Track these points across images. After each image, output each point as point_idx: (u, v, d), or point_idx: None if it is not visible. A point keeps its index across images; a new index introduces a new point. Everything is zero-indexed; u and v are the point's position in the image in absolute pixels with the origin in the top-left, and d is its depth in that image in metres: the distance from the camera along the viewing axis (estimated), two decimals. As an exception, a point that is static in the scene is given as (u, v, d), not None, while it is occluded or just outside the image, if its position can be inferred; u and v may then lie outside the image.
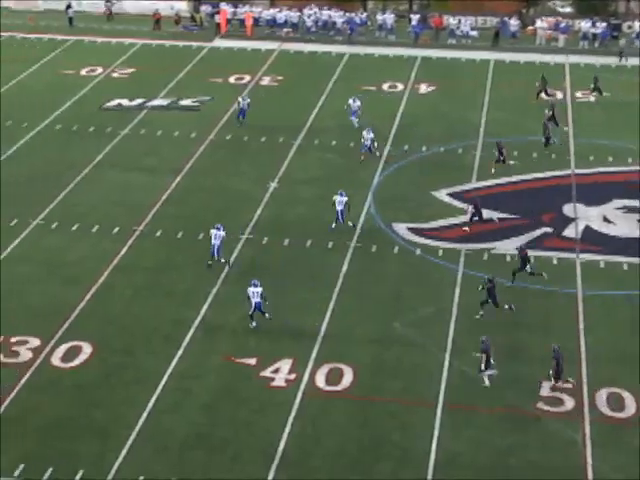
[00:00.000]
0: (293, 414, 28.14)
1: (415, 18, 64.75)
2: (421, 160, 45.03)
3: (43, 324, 32.03)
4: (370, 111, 49.87)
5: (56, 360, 30.32)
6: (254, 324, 32.17)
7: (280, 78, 55.98)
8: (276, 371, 29.95)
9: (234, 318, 32.69)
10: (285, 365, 30.21)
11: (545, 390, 29.06)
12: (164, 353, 30.74)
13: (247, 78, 56.09)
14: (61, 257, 36.38)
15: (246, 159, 44.99)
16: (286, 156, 45.36)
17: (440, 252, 36.94)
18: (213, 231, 35.23)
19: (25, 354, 30.53)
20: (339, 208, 38.08)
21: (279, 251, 37.09)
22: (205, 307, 33.26)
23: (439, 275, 35.48)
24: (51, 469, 25.81)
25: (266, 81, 55.74)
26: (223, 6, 66.63)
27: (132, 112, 50.58)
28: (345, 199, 38.17)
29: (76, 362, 30.26)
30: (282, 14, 65.78)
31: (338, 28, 64.37)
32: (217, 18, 65.64)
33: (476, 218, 38.69)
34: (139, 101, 51.97)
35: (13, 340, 31.16)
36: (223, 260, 35.27)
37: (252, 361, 30.38)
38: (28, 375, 29.58)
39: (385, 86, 54.72)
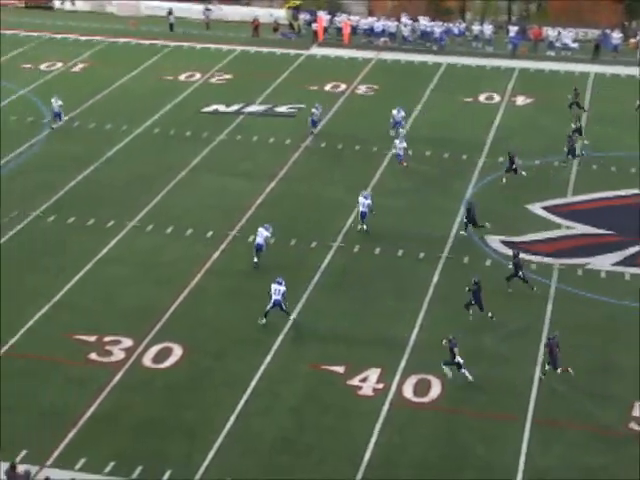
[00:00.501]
0: (380, 423, 28.09)
1: (513, 29, 64.21)
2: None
3: (136, 325, 32.55)
4: (466, 122, 49.65)
5: (148, 361, 30.78)
6: (264, 321, 32.41)
7: (376, 87, 56.00)
8: (364, 380, 29.94)
9: (324, 325, 32.79)
10: (373, 374, 30.18)
11: (637, 410, 28.51)
12: (253, 357, 30.97)
13: (343, 86, 56.26)
14: (155, 259, 36.95)
15: (340, 167, 45.12)
16: (379, 165, 45.36)
17: (533, 266, 36.52)
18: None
19: (118, 354, 31.06)
20: (362, 210, 38.19)
21: (370, 260, 37.09)
22: (295, 313, 33.42)
23: (531, 289, 35.06)
24: (140, 467, 26.20)
25: (362, 90, 55.84)
26: (320, 14, 66.98)
27: (229, 117, 51.14)
28: (368, 202, 38.18)
29: (167, 363, 30.68)
30: (380, 23, 65.81)
31: (435, 38, 64.16)
32: (314, 26, 66.00)
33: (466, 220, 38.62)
34: (236, 107, 52.53)
35: (106, 339, 31.74)
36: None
37: (340, 369, 30.42)
38: (120, 375, 30.08)
39: (482, 97, 54.35)
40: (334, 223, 39.66)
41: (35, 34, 65.72)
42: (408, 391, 29.48)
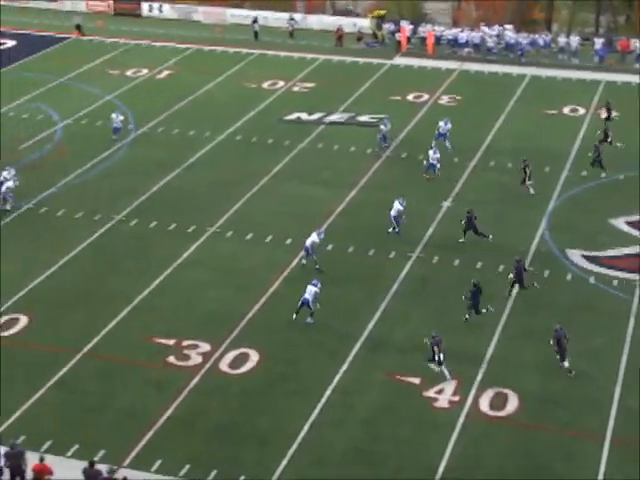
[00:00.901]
0: (455, 436, 27.86)
1: (599, 41, 63.33)
2: (599, 186, 43.95)
3: (214, 329, 32.80)
4: (549, 134, 49.12)
5: (224, 366, 30.98)
6: (294, 317, 32.95)
7: (458, 98, 55.72)
8: (440, 392, 29.73)
9: (400, 335, 32.67)
10: (449, 386, 29.96)
11: None
12: (328, 366, 30.96)
13: (425, 96, 56.09)
14: (234, 265, 37.20)
15: (420, 177, 44.93)
16: (461, 176, 45.09)
17: (615, 282, 35.93)
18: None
19: (196, 358, 31.32)
20: (393, 214, 38.33)
21: (448, 271, 36.85)
22: (372, 323, 33.35)
23: (612, 305, 34.52)
24: (215, 472, 26.35)
25: (444, 100, 55.60)
26: (403, 24, 66.89)
27: (311, 126, 51.33)
28: (401, 208, 38.05)
29: (243, 369, 30.84)
30: (464, 34, 65.48)
31: (521, 49, 63.59)
32: (398, 36, 65.91)
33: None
34: (318, 115, 52.70)
35: (185, 344, 32.03)
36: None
37: (416, 380, 30.26)
38: (197, 379, 30.32)
39: (566, 109, 53.71)
40: (414, 233, 39.49)
41: (122, 41, 66.79)
42: (484, 404, 29.19)
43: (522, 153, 46.09)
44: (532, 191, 42.67)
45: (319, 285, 33.11)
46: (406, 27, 66.37)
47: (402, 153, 47.71)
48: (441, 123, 47.93)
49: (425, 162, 44.82)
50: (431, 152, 44.76)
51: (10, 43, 66.46)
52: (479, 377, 30.41)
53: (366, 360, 31.45)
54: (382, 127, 47.74)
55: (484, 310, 33.26)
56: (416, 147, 48.09)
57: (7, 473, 25.25)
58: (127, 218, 40.54)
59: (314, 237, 36.53)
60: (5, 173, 41.23)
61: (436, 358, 30.01)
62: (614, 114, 50.71)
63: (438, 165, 44.44)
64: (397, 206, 38.49)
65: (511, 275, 34.92)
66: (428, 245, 38.66)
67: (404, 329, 32.96)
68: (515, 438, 27.86)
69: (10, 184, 40.89)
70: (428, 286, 35.74)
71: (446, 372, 30.11)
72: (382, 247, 38.31)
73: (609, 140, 46.94)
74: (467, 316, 33.33)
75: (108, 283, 35.74)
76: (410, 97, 56.00)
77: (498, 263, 37.11)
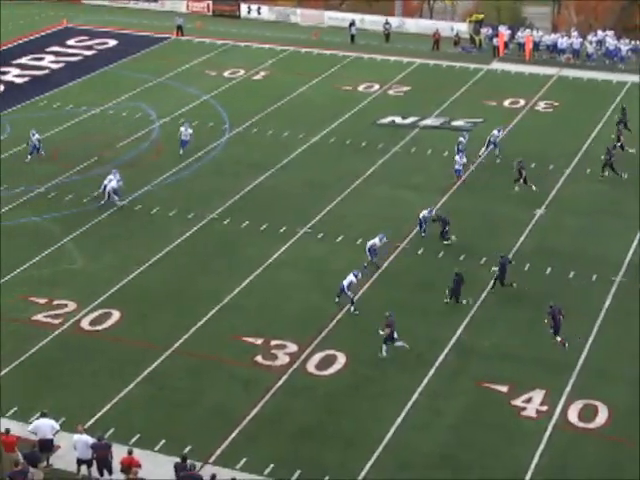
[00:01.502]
0: (542, 446, 27.51)
1: None
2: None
3: (302, 330, 32.95)
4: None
5: (311, 367, 31.09)
6: (337, 300, 33.98)
7: (556, 104, 55.01)
8: (528, 401, 29.40)
9: (489, 342, 32.39)
10: (537, 396, 29.60)
11: None
12: (415, 371, 30.87)
13: (522, 102, 55.51)
14: (324, 266, 37.31)
15: (513, 183, 44.47)
16: (556, 183, 44.53)
17: None
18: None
19: (283, 358, 31.51)
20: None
21: (541, 279, 36.43)
22: (460, 329, 33.15)
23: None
24: (299, 472, 26.47)
25: (541, 106, 54.94)
26: (501, 29, 66.30)
27: (405, 129, 51.23)
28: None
29: (330, 371, 30.91)
30: (564, 40, 64.62)
31: (622, 56, 62.49)
32: (496, 41, 65.35)
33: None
34: (412, 119, 52.56)
35: (273, 343, 32.24)
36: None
37: (504, 388, 29.97)
38: (284, 379, 30.50)
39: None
40: (505, 240, 39.13)
41: (220, 42, 67.55)
42: (573, 415, 28.77)
43: (620, 162, 45.31)
44: (517, 188, 43.20)
45: (359, 276, 34.11)
46: (504, 32, 65.77)
47: (496, 158, 47.28)
48: (495, 131, 47.51)
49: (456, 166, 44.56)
50: (457, 157, 44.47)
51: (111, 43, 67.79)
52: (568, 387, 29.99)
53: (454, 366, 31.26)
54: (461, 139, 46.88)
55: (464, 301, 34.14)
56: (510, 153, 47.60)
57: (94, 464, 25.76)
58: (219, 217, 40.99)
59: (376, 240, 36.61)
60: (111, 176, 41.93)
61: (394, 337, 31.21)
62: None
63: (462, 169, 44.36)
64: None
65: (494, 268, 35.36)
66: (520, 252, 38.24)
67: (492, 337, 32.67)
68: (603, 451, 27.41)
69: (114, 184, 41.60)
70: (516, 293, 35.34)
71: (404, 343, 31.38)
72: (473, 253, 38.03)
73: (621, 144, 46.60)
74: (447, 300, 34.36)
75: (199, 281, 36.17)
76: (506, 103, 55.48)
77: (591, 273, 36.56)
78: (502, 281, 35.18)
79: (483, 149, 47.00)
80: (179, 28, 69.10)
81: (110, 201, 41.51)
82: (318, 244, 38.97)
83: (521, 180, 43.28)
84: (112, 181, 41.78)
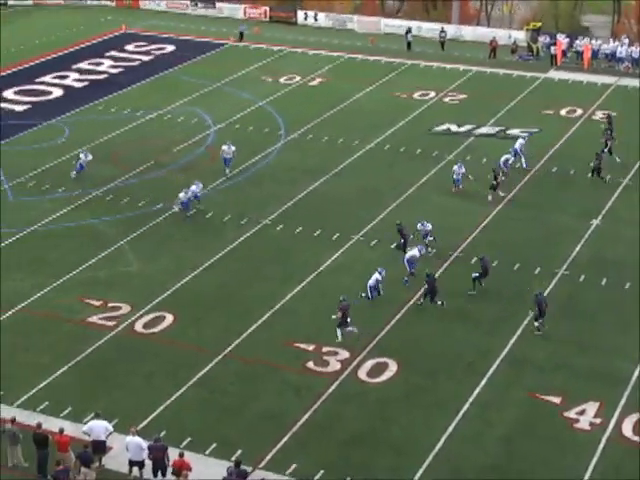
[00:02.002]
0: (595, 459, 27.22)
1: None
2: None
3: (353, 337, 32.88)
4: None
5: (363, 374, 31.06)
6: (362, 294, 34.55)
7: (614, 114, 54.37)
8: (581, 413, 29.11)
9: (542, 353, 32.14)
10: (591, 408, 29.30)
11: None
12: (467, 381, 30.72)
13: (579, 111, 55.05)
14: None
15: (570, 192, 44.19)
16: (613, 193, 44.09)
17: None
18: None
19: (334, 364, 31.51)
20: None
21: (595, 290, 36.08)
22: (513, 339, 32.93)
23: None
24: (348, 479, 26.45)
25: (599, 116, 54.41)
26: (559, 37, 65.81)
27: (459, 137, 51.05)
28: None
29: (381, 378, 30.87)
30: (623, 48, 63.95)
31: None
32: (553, 49, 64.87)
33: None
34: (467, 127, 52.36)
35: (324, 350, 32.27)
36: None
37: (557, 400, 29.71)
38: (335, 385, 30.51)
39: None
40: (560, 250, 38.85)
41: (276, 48, 67.85)
42: (627, 429, 28.43)
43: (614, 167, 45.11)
44: (490, 198, 43.11)
45: (383, 274, 34.60)
46: (562, 40, 65.26)
47: (552, 167, 46.96)
48: (521, 140, 47.44)
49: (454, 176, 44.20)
50: (456, 167, 44.11)
51: (169, 48, 68.42)
52: (623, 400, 29.65)
53: (506, 376, 31.05)
54: (508, 156, 45.93)
55: (439, 302, 34.39)
56: (567, 162, 47.32)
57: (147, 466, 25.98)
58: (273, 223, 41.14)
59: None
60: (194, 187, 41.91)
61: (346, 320, 32.29)
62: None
63: (460, 180, 43.97)
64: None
65: (475, 274, 35.63)
66: (575, 263, 37.93)
67: (546, 347, 32.41)
68: (658, 466, 27.08)
69: (195, 190, 41.85)
70: (573, 305, 35.06)
71: (339, 334, 32.29)
72: (527, 263, 37.78)
73: (609, 149, 46.80)
74: (421, 302, 34.87)
75: (252, 286, 36.32)
76: (563, 112, 55.06)
77: (648, 284, 36.19)
78: (481, 279, 35.63)
79: (503, 158, 46.55)
80: (241, 34, 69.42)
81: (179, 207, 41.53)
82: (371, 251, 38.93)
83: (496, 187, 43.37)
84: (187, 193, 41.81)
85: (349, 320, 32.50)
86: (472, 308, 34.81)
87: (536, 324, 33.07)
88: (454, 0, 76.38)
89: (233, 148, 45.80)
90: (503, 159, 45.16)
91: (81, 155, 45.45)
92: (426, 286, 34.77)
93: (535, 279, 36.63)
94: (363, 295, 34.74)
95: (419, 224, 38.77)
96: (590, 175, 45.33)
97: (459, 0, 77.63)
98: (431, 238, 38.68)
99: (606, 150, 47.01)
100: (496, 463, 27.19)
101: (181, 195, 41.53)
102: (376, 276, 34.70)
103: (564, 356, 31.71)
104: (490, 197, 43.21)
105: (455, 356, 32.02)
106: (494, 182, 43.38)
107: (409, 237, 38.45)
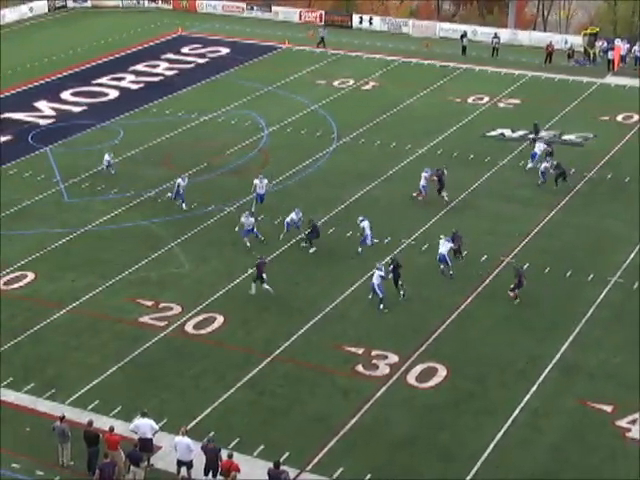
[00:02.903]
0: (645, 470, 26.96)
1: None
2: None
3: (403, 341, 32.88)
4: None
5: (412, 379, 30.98)
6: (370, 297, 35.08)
7: (671, 120, 53.96)
8: (633, 422, 28.75)
9: (594, 360, 31.83)
10: (643, 418, 29.00)
11: None
12: (517, 387, 30.50)
13: (636, 117, 54.47)
14: (427, 278, 37.11)
15: (624, 199, 43.71)
16: (666, 202, 43.63)
17: None
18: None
19: (383, 368, 31.48)
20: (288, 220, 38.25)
21: (649, 298, 35.72)
22: (565, 346, 32.64)
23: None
24: (395, 483, 26.49)
25: (655, 122, 53.93)
26: (618, 42, 65.13)
27: (513, 143, 50.74)
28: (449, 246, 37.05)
29: (430, 383, 30.76)
30: (681, 54, 63.25)
31: None
32: (611, 54, 64.24)
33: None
34: (521, 132, 52.03)
35: (374, 353, 32.24)
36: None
37: (608, 408, 29.39)
38: (384, 389, 30.47)
39: None
40: (613, 257, 38.45)
41: (331, 51, 67.96)
42: (680, 439, 28.11)
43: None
44: (446, 198, 43.13)
45: (381, 269, 34.79)
46: (621, 45, 64.59)
47: (607, 174, 46.50)
48: (543, 146, 47.04)
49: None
50: (424, 173, 43.43)
51: (224, 51, 68.88)
52: (675, 410, 29.29)
53: (557, 383, 30.79)
54: (545, 164, 45.49)
55: (402, 292, 35.34)
56: (622, 169, 46.84)
57: (202, 466, 26.04)
58: (324, 226, 41.12)
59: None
60: (293, 214, 40.20)
61: (262, 276, 34.84)
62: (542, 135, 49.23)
63: (426, 185, 43.44)
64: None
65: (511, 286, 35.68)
66: (629, 270, 37.51)
67: (597, 355, 32.09)
68: None
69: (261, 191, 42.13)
70: (625, 312, 34.68)
71: (270, 289, 34.69)
72: (580, 269, 37.46)
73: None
74: (402, 293, 35.59)
75: (301, 289, 36.41)
76: (619, 117, 54.52)
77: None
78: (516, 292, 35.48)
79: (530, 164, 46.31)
80: (322, 39, 69.06)
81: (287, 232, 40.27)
82: (421, 256, 38.81)
83: (441, 190, 43.27)
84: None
85: (265, 277, 34.82)
86: (523, 314, 34.56)
87: (511, 294, 34.81)
88: (510, 4, 75.88)
89: (265, 181, 42.48)
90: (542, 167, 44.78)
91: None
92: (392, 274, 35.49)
93: (587, 286, 36.30)
94: (370, 297, 35.21)
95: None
96: (555, 185, 44.45)
97: (515, 4, 77.10)
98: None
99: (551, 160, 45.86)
100: (545, 471, 26.96)
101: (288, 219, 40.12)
102: (377, 272, 34.81)
103: (616, 364, 31.38)
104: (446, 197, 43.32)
105: (505, 362, 31.81)
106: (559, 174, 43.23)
107: (460, 244, 38.26)
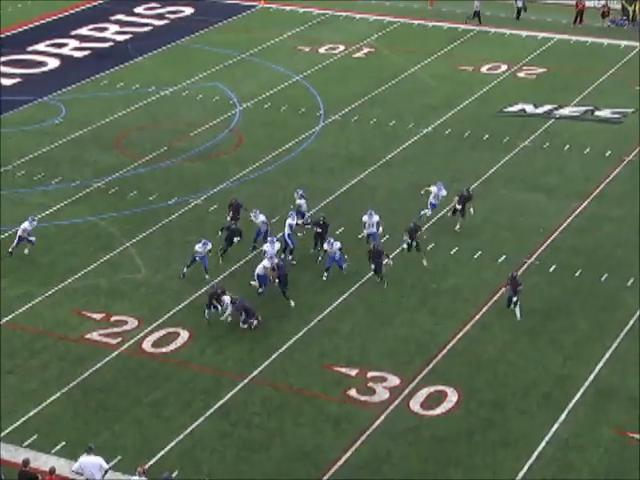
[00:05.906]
0: (696, 512, 27.15)
1: None
2: None
3: (405, 360, 33.00)
4: None
5: (415, 405, 31.07)
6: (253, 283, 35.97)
7: None
8: (681, 457, 29.01)
9: (634, 382, 32.00)
10: (693, 451, 29.18)
11: None
12: (542, 415, 30.64)
13: (683, 87, 54.91)
14: (434, 284, 37.24)
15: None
16: None
17: None
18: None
19: (381, 393, 31.56)
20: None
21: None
22: (600, 365, 32.82)
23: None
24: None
25: None
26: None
27: (536, 120, 50.97)
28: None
29: (438, 411, 30.85)
30: None
31: None
32: (653, 12, 64.71)
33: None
34: (546, 108, 52.28)
35: (369, 375, 32.33)
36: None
37: (652, 439, 29.66)
38: (382, 418, 30.55)
39: None
40: (656, 257, 38.75)
41: (316, 11, 68.04)
42: None
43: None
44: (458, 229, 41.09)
45: (274, 259, 35.98)
46: (665, 1, 65.10)
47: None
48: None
49: None
50: (434, 188, 41.96)
51: (187, 11, 68.89)
52: None
53: (591, 410, 30.95)
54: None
55: (384, 277, 36.99)
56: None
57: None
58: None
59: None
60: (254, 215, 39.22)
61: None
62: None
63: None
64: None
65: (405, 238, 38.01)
66: (673, 272, 37.84)
67: (638, 375, 32.26)
68: None
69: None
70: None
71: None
72: (617, 273, 37.67)
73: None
74: (379, 279, 37.10)
75: (282, 298, 36.27)
76: (664, 88, 54.94)
77: None
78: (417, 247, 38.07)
79: None
80: (476, 14, 65.72)
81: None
82: (430, 257, 38.87)
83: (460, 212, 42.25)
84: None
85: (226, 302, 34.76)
86: (550, 327, 34.72)
87: (514, 299, 35.07)
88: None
89: (262, 217, 39.10)
90: None
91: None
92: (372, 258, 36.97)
93: (627, 292, 36.49)
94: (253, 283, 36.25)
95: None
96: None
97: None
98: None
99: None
100: (577, 515, 27.19)
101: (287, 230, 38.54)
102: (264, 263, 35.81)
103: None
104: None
105: (528, 385, 31.97)
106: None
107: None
